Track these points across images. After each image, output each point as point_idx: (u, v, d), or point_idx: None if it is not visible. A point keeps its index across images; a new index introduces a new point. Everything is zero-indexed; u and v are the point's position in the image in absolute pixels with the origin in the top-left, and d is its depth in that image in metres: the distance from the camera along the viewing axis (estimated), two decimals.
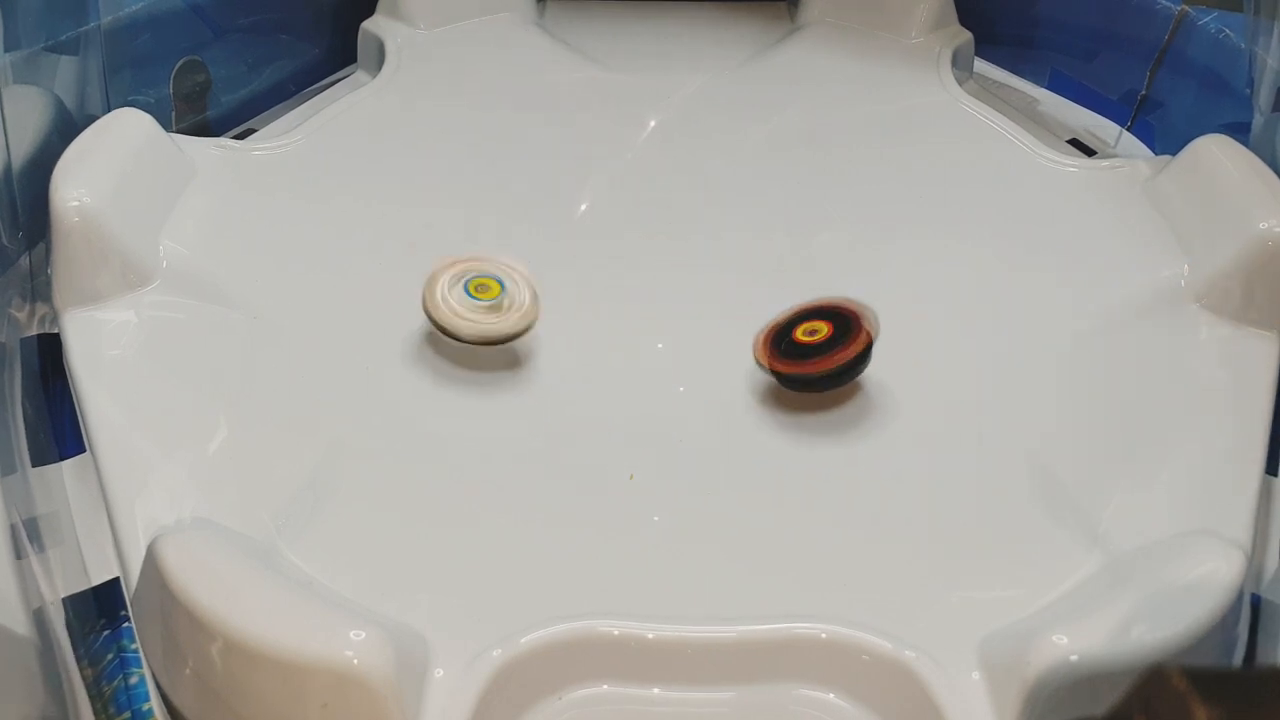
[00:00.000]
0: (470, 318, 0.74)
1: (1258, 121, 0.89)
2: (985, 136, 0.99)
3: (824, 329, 0.71)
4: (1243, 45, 0.95)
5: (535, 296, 0.75)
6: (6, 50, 0.80)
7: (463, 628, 0.58)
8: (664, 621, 0.59)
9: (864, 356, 0.70)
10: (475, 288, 0.74)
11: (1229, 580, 0.58)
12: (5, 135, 0.79)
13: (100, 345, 0.75)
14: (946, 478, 0.70)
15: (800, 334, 0.71)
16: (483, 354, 0.76)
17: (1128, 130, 1.07)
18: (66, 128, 0.85)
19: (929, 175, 0.95)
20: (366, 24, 1.13)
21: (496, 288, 0.75)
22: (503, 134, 0.99)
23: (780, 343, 0.72)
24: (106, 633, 0.62)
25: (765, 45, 1.13)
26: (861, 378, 0.74)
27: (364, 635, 0.54)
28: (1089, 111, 1.11)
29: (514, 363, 0.77)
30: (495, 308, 0.74)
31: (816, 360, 0.70)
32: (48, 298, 0.79)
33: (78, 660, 0.61)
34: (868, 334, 0.70)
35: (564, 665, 0.58)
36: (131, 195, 0.80)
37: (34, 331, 0.80)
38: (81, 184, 0.77)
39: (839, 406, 0.74)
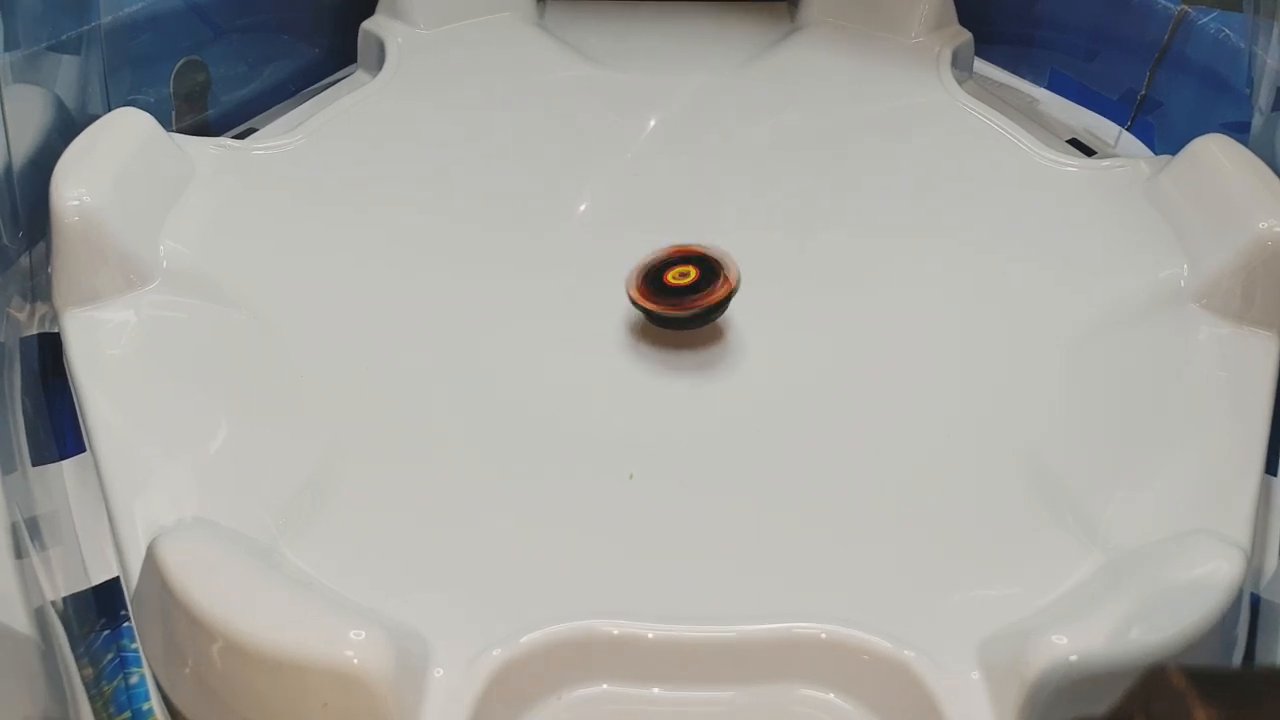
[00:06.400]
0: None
1: (1257, 121, 0.89)
2: (985, 136, 0.99)
3: (692, 273, 0.79)
4: (1242, 45, 0.95)
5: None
6: (7, 49, 0.80)
7: (463, 628, 0.58)
8: (664, 621, 0.59)
9: (724, 303, 0.78)
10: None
11: (1229, 580, 0.58)
12: (6, 134, 0.79)
13: (100, 345, 0.75)
14: (946, 477, 0.70)
15: (671, 277, 0.79)
16: (485, 353, 0.77)
17: (1127, 130, 1.07)
18: (67, 127, 0.85)
19: (928, 175, 0.95)
20: (367, 24, 1.13)
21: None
22: (503, 134, 0.99)
23: (651, 282, 0.79)
24: (106, 632, 0.62)
25: (765, 45, 1.13)
26: (861, 379, 0.76)
27: (364, 635, 0.54)
28: (1089, 111, 1.11)
29: (513, 363, 0.77)
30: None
31: (684, 302, 0.77)
32: (48, 297, 0.79)
33: (77, 660, 0.61)
34: (728, 285, 0.78)
35: (564, 665, 0.58)
36: (132, 195, 0.80)
37: (34, 331, 0.80)
38: (81, 183, 0.77)
39: (837, 407, 0.75)
